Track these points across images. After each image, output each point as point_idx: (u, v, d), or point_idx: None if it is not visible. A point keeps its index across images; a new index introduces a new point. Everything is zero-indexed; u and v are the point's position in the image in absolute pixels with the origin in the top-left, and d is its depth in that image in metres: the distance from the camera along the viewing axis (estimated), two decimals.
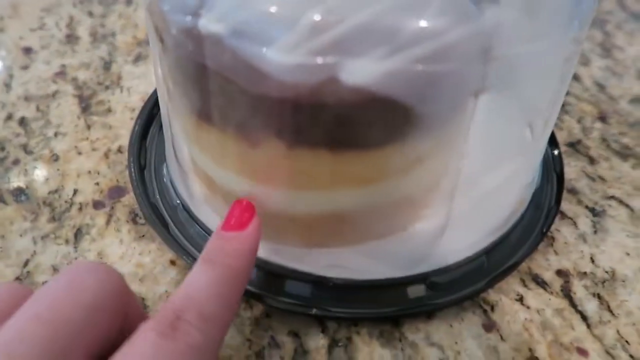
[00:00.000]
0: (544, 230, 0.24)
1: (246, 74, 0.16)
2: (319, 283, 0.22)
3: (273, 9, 0.15)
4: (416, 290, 0.22)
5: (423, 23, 0.14)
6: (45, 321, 0.13)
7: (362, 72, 0.15)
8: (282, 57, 0.15)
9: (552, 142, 0.28)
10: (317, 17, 0.15)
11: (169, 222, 0.24)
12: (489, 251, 0.23)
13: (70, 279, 0.14)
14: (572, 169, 0.29)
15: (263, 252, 0.22)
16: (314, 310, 0.22)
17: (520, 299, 0.23)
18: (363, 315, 0.22)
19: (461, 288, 0.22)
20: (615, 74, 0.35)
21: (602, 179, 0.28)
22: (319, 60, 0.15)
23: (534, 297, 0.23)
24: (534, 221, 0.25)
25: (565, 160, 0.29)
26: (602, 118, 0.32)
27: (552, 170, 0.27)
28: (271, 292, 0.22)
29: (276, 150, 0.18)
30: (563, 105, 0.32)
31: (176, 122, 0.22)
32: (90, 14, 0.39)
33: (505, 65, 0.16)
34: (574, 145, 0.30)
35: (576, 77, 0.34)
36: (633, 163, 0.29)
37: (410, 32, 0.14)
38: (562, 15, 0.16)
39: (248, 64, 0.16)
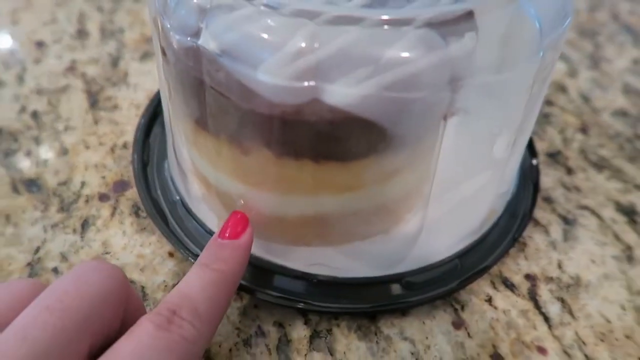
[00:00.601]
0: (516, 237, 0.26)
1: (238, 91, 0.18)
2: (304, 279, 0.24)
3: (259, 33, 0.17)
4: (393, 289, 0.24)
5: (393, 53, 0.16)
6: (55, 311, 0.15)
7: (339, 94, 0.17)
8: (269, 79, 0.17)
9: (532, 152, 0.30)
10: (301, 44, 0.16)
11: (168, 217, 0.26)
12: (462, 255, 0.25)
13: (78, 275, 0.16)
14: (550, 178, 0.30)
15: (254, 249, 0.23)
16: (300, 304, 0.24)
17: (489, 300, 0.25)
18: (343, 310, 0.24)
19: (435, 288, 0.24)
20: (601, 86, 0.36)
21: (577, 189, 0.30)
22: (303, 83, 0.17)
23: (502, 298, 0.25)
24: (508, 228, 0.26)
25: (544, 170, 0.30)
26: (584, 129, 0.33)
27: (529, 180, 0.28)
28: (261, 286, 0.24)
29: (265, 158, 0.20)
30: (547, 117, 0.34)
31: (176, 124, 0.24)
32: (100, 9, 0.41)
33: (472, 93, 0.17)
34: (554, 156, 0.32)
35: (562, 89, 0.36)
36: (608, 175, 0.30)
37: (382, 60, 0.16)
38: (528, 48, 0.18)
39: (240, 82, 0.18)
